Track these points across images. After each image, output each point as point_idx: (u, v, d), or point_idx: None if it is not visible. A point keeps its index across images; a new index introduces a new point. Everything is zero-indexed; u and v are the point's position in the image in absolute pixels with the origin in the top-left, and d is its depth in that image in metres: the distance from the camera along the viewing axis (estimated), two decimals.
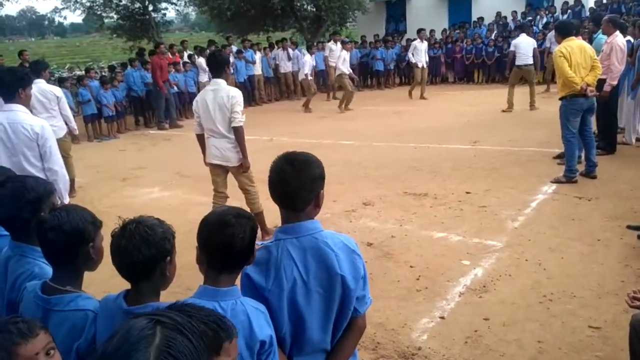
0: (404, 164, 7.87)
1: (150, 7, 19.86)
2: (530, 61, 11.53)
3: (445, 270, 4.44)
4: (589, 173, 6.49)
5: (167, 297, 1.78)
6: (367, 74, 18.77)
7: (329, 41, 16.96)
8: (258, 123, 12.13)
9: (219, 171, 5.17)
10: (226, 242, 1.72)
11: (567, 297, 3.87)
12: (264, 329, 1.73)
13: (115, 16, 20.41)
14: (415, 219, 5.64)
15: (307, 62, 14.21)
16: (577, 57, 6.14)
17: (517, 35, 12.29)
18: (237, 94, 4.85)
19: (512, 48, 11.88)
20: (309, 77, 14.14)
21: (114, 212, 6.75)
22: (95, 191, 7.71)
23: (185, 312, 1.22)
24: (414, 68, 14.65)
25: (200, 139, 5.15)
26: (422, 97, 14.51)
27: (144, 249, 1.68)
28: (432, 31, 18.43)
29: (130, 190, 7.72)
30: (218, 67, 4.92)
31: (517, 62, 11.57)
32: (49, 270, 2.03)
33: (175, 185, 7.77)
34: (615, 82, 7.02)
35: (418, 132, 10.08)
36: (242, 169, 5.05)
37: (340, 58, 13.38)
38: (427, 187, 6.60)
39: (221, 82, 4.88)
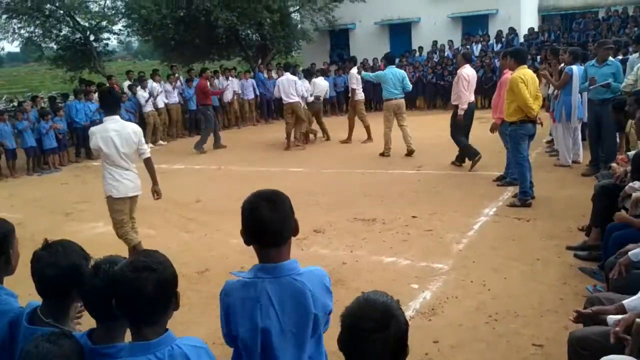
0: (352, 190, 8.00)
1: (92, 37, 19.44)
2: None
3: (395, 294, 4.43)
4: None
5: None
6: None
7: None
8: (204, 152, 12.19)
9: (126, 203, 5.35)
10: (130, 298, 1.70)
11: (511, 316, 4.03)
12: None
13: (55, 46, 19.83)
14: (365, 245, 5.74)
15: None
16: (530, 85, 6.42)
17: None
18: (139, 129, 5.28)
19: None
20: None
21: None
22: (35, 227, 7.40)
23: None
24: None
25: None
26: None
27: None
28: (374, 59, 18.96)
29: (73, 225, 7.46)
30: (115, 103, 5.27)
31: None
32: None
33: None
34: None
35: (365, 158, 10.28)
36: (157, 195, 5.43)
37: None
38: (376, 213, 6.74)
39: (118, 118, 5.15)
